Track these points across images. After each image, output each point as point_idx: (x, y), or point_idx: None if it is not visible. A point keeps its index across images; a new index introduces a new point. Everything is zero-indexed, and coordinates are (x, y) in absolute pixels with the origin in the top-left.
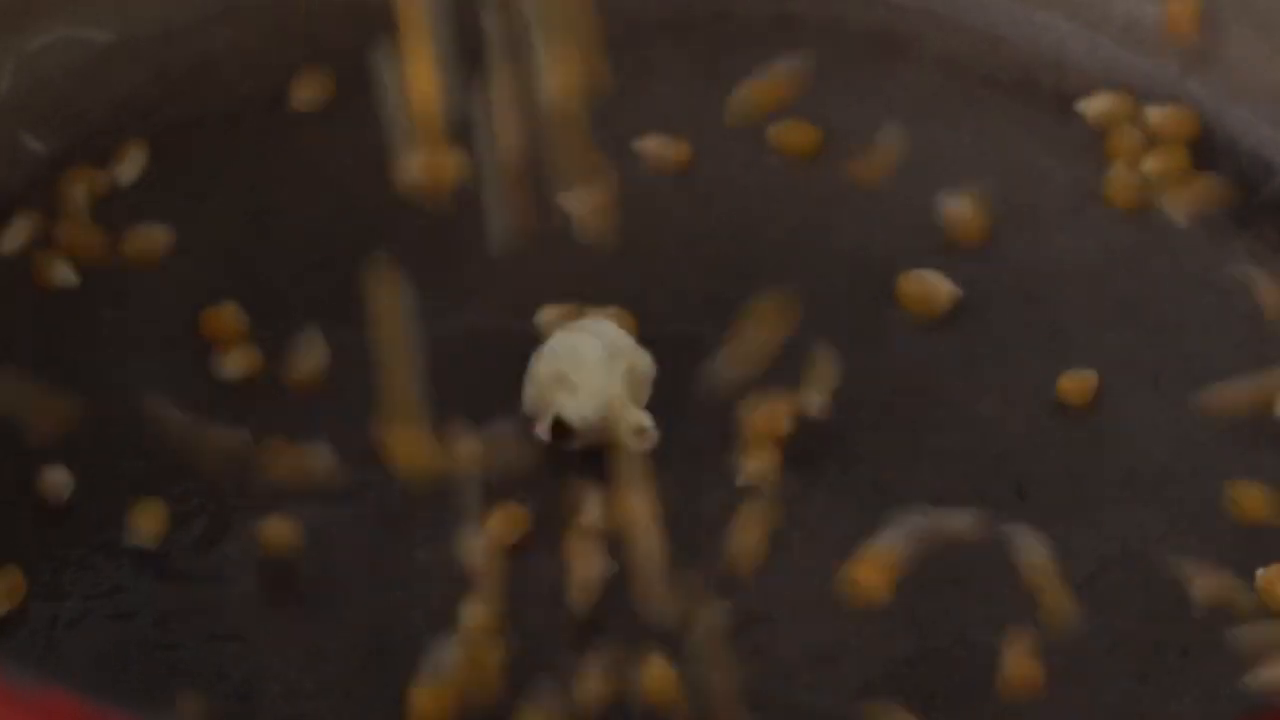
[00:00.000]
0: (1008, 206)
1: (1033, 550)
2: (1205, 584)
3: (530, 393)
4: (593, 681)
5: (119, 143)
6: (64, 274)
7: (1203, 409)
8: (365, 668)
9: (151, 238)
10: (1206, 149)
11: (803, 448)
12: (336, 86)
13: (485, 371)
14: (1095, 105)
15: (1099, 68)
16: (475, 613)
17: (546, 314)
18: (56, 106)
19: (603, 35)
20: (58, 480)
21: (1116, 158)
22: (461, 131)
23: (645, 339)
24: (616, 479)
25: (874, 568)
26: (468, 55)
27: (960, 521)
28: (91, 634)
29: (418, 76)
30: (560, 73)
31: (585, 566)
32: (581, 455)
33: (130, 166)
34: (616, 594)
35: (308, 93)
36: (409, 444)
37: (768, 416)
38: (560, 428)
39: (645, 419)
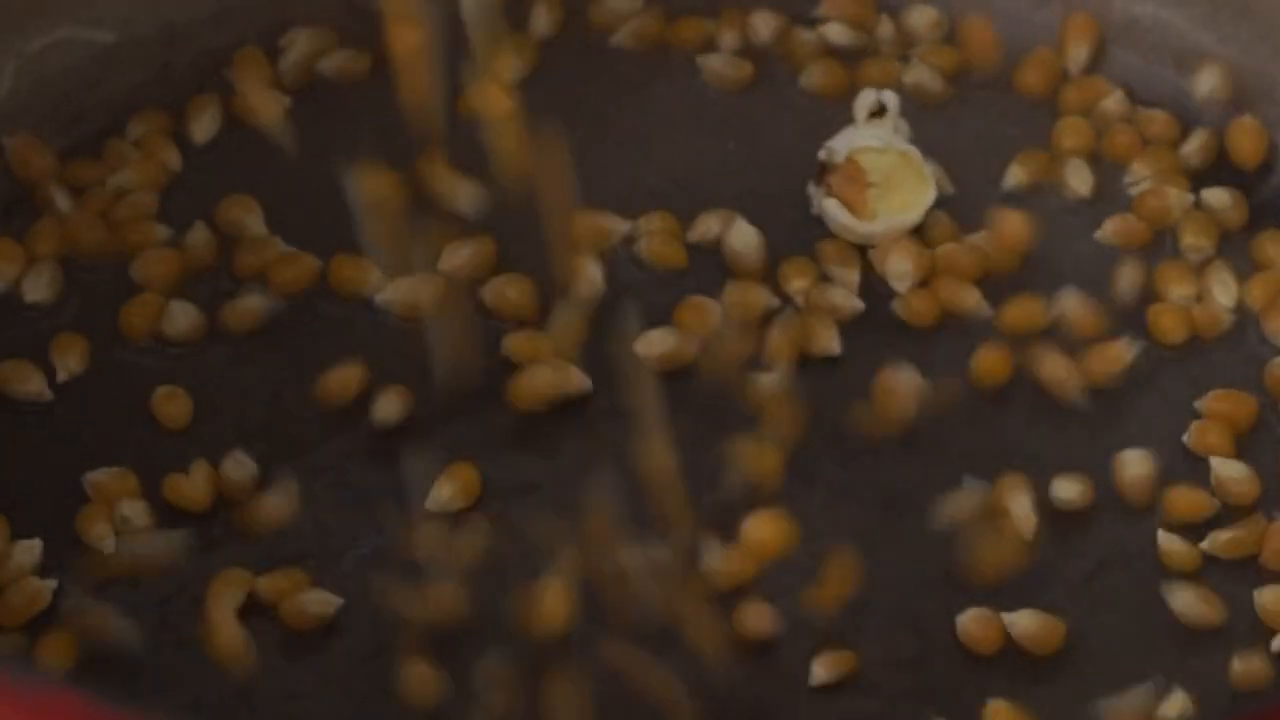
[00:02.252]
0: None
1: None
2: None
3: None
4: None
5: (120, 142)
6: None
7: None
8: (365, 668)
9: (154, 235)
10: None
11: (801, 447)
12: (336, 85)
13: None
14: (1094, 106)
15: (1098, 68)
16: None
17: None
18: (57, 106)
19: None
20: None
21: (1112, 157)
22: None
23: None
24: None
25: None
26: None
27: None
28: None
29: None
30: None
31: None
32: None
33: (131, 165)
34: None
35: (308, 91)
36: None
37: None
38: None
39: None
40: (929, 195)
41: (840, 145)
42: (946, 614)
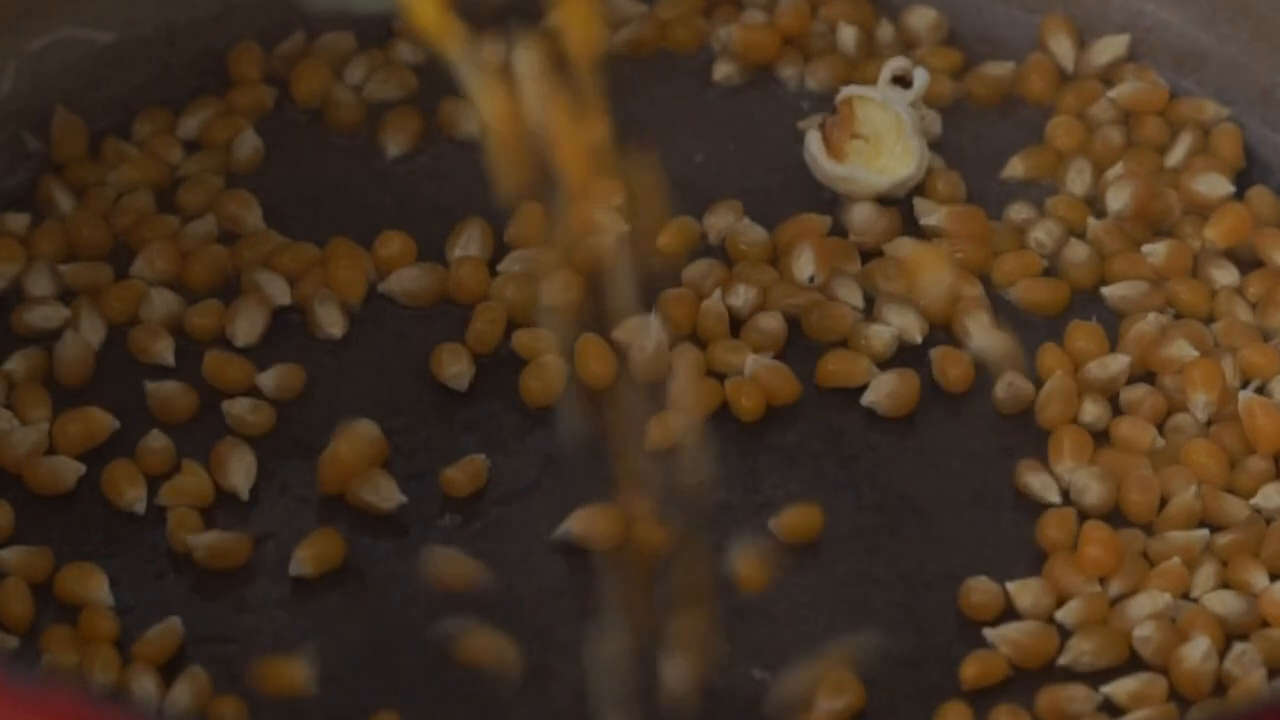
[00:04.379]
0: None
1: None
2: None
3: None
4: None
5: (120, 142)
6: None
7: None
8: (366, 667)
9: (154, 233)
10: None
11: (801, 446)
12: (335, 84)
13: None
14: (1087, 108)
15: (1096, 69)
16: None
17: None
18: (57, 106)
19: None
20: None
21: (1103, 158)
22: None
23: None
24: None
25: None
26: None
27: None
28: None
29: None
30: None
31: None
32: None
33: (131, 165)
34: None
35: (308, 91)
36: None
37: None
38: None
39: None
40: (908, 170)
41: (848, 92)
42: (947, 613)
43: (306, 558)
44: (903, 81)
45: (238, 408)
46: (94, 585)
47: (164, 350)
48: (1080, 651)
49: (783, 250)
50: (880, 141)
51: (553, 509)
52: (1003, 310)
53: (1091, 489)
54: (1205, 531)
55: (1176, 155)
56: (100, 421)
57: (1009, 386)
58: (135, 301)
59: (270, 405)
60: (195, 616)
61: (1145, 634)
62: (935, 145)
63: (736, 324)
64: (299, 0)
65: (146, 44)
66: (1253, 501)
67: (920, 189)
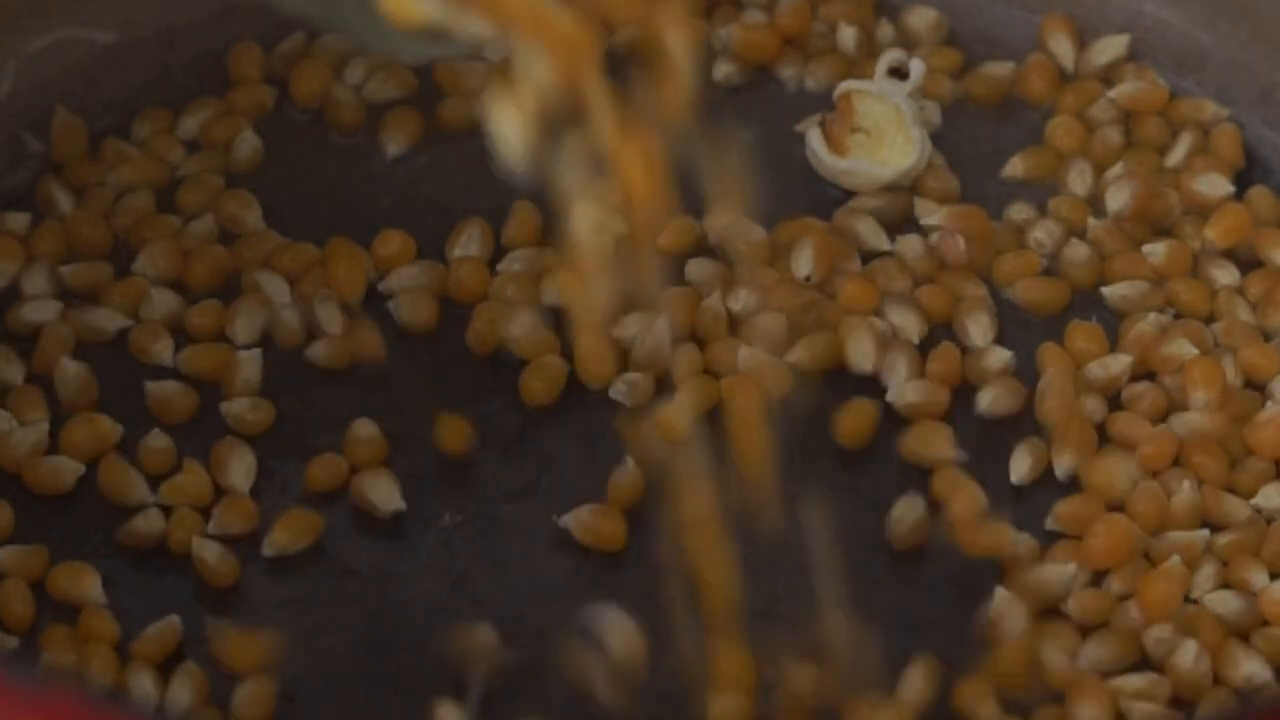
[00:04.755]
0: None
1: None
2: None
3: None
4: None
5: (119, 142)
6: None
7: None
8: (365, 667)
9: (154, 233)
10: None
11: (801, 446)
12: (335, 84)
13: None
14: (1088, 108)
15: (1095, 69)
16: None
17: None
18: (57, 106)
19: None
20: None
21: (1102, 158)
22: None
23: None
24: None
25: None
26: None
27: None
28: None
29: None
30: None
31: None
32: None
33: (131, 165)
34: None
35: (308, 91)
36: None
37: None
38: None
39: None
40: (910, 159)
41: (846, 87)
42: (946, 613)
43: (278, 539)
44: (899, 73)
45: (237, 407)
46: (87, 584)
47: (164, 350)
48: (1082, 652)
49: (782, 250)
50: (881, 134)
51: (553, 509)
52: (1003, 310)
53: None
54: (1205, 531)
55: (1176, 155)
56: (105, 428)
57: (994, 400)
58: (135, 301)
59: (270, 404)
60: (194, 616)
61: (1162, 635)
62: (935, 143)
63: (736, 325)
64: (356, 42)
65: (146, 44)
66: (1253, 501)
67: (918, 189)
